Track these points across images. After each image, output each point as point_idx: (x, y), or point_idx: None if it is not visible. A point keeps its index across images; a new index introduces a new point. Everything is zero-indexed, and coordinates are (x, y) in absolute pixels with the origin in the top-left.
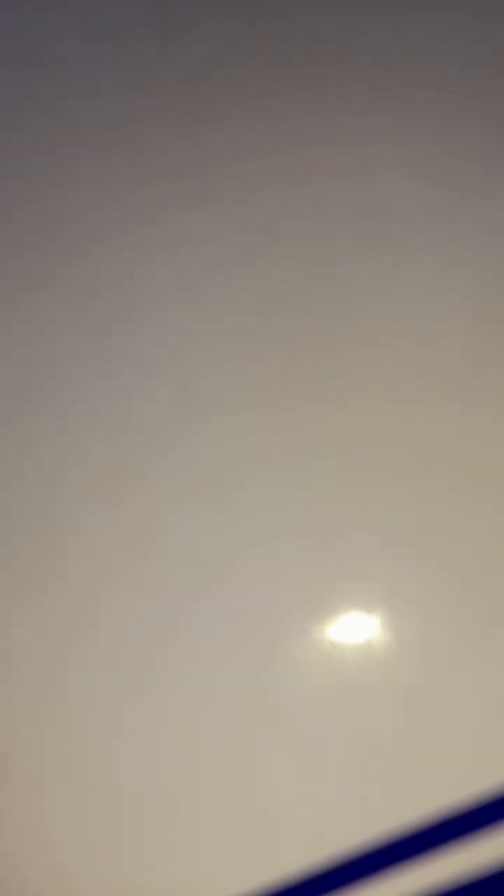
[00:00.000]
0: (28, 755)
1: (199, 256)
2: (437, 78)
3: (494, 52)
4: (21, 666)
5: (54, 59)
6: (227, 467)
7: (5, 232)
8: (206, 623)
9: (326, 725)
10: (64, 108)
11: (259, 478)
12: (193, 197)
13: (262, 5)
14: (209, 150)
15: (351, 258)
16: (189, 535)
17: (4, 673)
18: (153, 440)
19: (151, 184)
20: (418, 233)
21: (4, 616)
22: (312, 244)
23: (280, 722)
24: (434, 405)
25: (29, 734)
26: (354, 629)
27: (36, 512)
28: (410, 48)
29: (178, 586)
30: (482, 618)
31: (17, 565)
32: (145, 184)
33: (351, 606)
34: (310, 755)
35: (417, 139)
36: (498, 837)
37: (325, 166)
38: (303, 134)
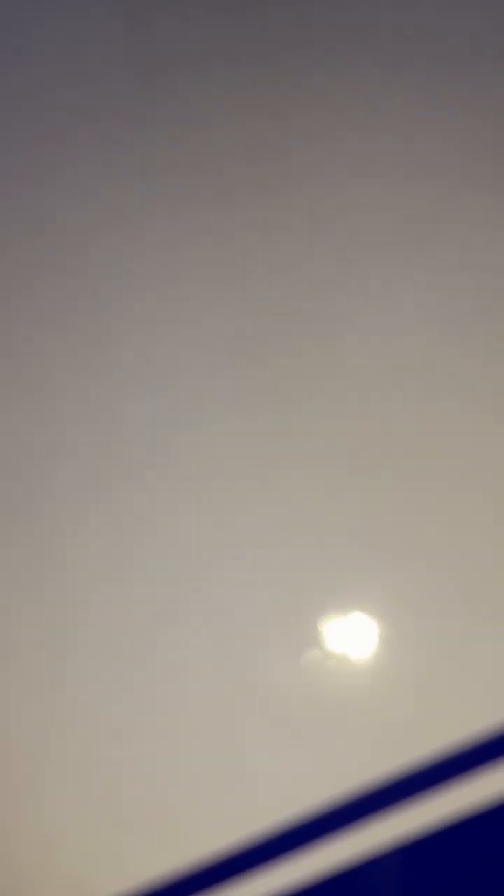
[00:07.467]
0: (24, 742)
1: (183, 259)
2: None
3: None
4: (16, 658)
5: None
6: (220, 467)
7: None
8: (196, 618)
9: (313, 717)
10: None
11: (249, 477)
12: (181, 197)
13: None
14: (202, 150)
15: (340, 262)
16: (180, 533)
17: (2, 666)
18: (144, 443)
19: (143, 183)
20: (414, 233)
21: None
22: (301, 245)
23: (265, 710)
24: (424, 406)
25: (25, 722)
26: (340, 625)
27: (29, 512)
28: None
29: (169, 582)
30: (466, 611)
31: (10, 565)
32: (133, 182)
33: (336, 603)
34: (293, 741)
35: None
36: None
37: (323, 169)
38: (305, 127)
